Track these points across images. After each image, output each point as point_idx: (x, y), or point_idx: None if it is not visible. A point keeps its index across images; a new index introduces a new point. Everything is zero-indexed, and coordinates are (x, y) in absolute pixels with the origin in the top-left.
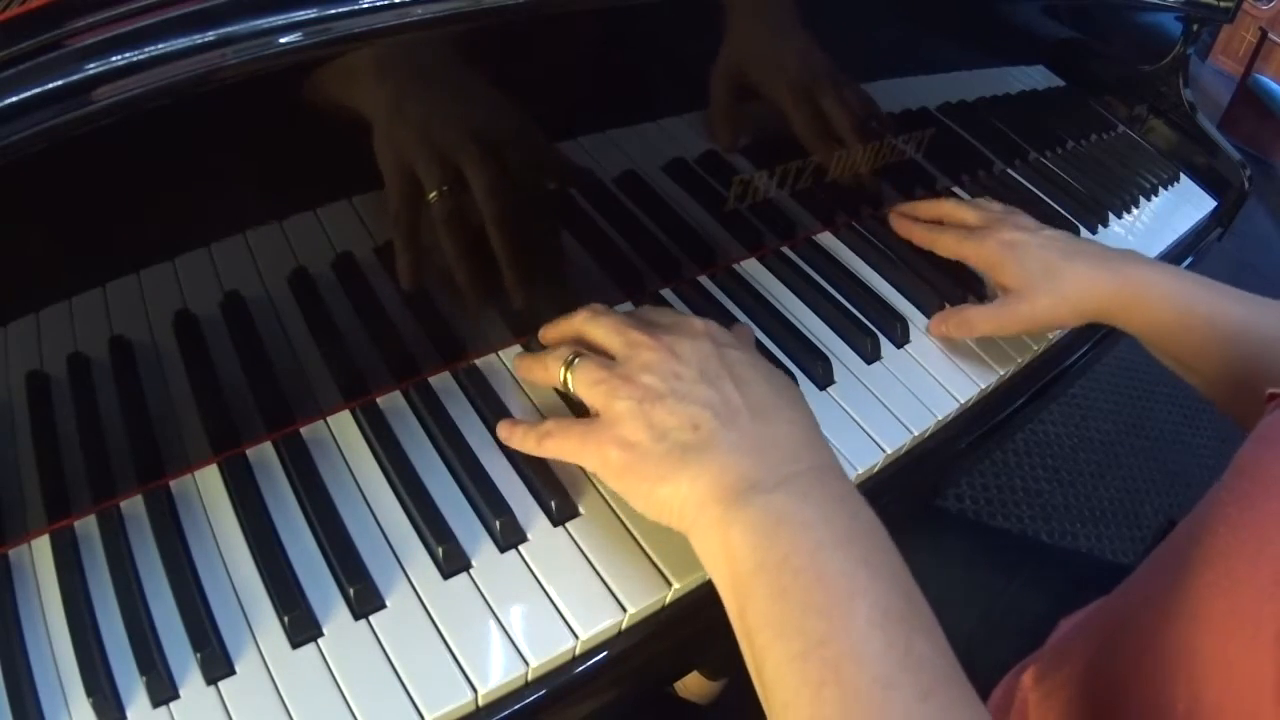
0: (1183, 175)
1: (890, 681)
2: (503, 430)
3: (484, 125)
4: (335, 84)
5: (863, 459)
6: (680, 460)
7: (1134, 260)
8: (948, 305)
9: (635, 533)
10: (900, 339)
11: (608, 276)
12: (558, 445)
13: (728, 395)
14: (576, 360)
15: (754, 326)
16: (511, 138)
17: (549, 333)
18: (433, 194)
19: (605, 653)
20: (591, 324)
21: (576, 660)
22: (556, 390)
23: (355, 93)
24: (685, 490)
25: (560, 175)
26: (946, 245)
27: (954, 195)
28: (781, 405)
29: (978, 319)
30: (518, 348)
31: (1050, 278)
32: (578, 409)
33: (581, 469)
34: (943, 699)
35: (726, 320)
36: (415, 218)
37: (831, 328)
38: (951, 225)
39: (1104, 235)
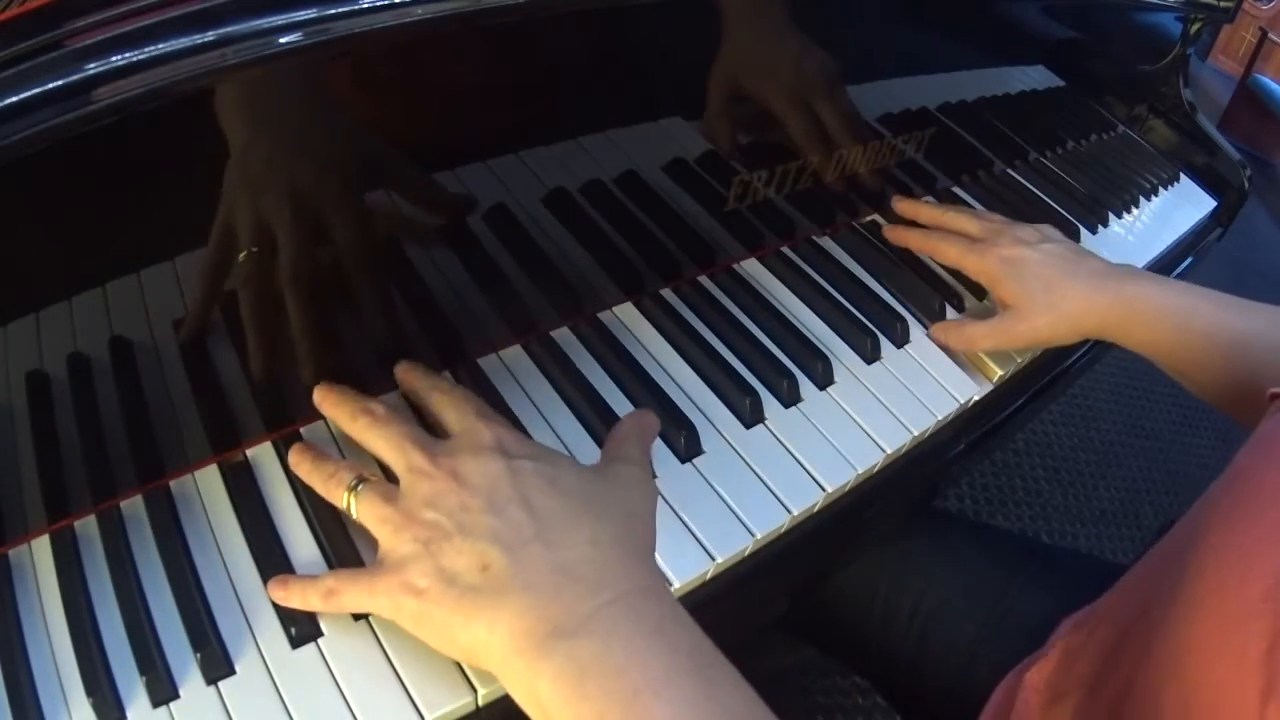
0: (1183, 175)
1: None
2: (277, 591)
3: (324, 181)
4: (220, 110)
5: (863, 459)
6: (474, 605)
7: (1132, 276)
8: (948, 306)
9: None
10: (900, 339)
11: (609, 276)
12: (348, 600)
13: (518, 524)
14: (360, 487)
15: (754, 326)
16: (360, 184)
17: (330, 410)
18: (242, 253)
19: None
20: (371, 435)
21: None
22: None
23: (225, 122)
24: (484, 637)
25: (438, 208)
26: (946, 254)
27: (953, 195)
28: (582, 523)
29: (978, 335)
30: (518, 348)
31: (1050, 296)
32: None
33: None
34: None
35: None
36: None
37: (831, 328)
38: (952, 234)
39: (1104, 235)
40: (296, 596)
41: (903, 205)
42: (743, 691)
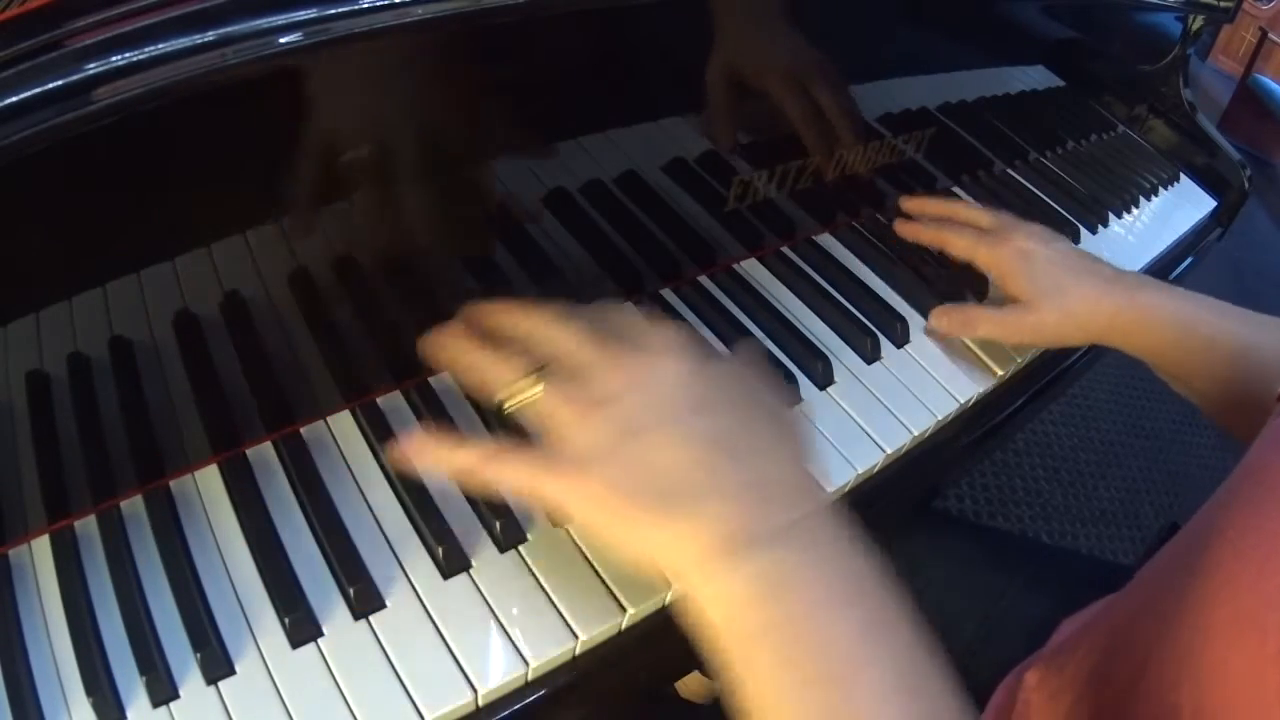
0: (1183, 175)
1: None
2: (416, 445)
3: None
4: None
5: (863, 459)
6: (667, 508)
7: (1139, 282)
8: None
9: None
10: (900, 339)
11: (609, 276)
12: (512, 471)
13: (720, 428)
14: (546, 370)
15: (754, 326)
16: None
17: (490, 319)
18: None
19: (606, 653)
20: (558, 328)
21: (577, 660)
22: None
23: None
24: (682, 542)
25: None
26: (959, 245)
27: (954, 196)
28: (778, 437)
29: (980, 320)
30: None
31: (1060, 294)
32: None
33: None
34: None
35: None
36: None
37: (831, 328)
38: (964, 226)
39: (1104, 235)
40: (446, 452)
41: (910, 203)
42: (907, 607)
